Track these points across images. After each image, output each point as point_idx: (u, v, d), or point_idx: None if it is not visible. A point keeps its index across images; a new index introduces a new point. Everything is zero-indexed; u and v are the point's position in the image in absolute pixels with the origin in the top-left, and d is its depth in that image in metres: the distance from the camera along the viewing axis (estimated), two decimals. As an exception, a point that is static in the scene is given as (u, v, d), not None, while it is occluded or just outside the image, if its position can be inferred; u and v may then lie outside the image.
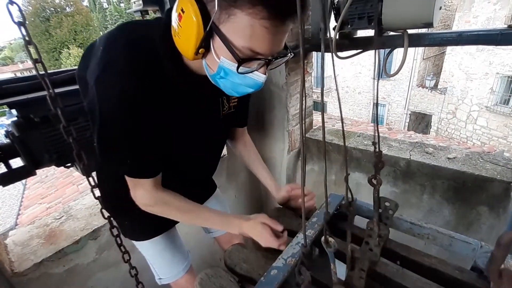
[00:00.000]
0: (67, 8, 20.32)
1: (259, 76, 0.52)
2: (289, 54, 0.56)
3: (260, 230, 0.71)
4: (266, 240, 0.71)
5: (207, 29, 0.47)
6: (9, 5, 0.30)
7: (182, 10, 0.48)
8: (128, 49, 0.53)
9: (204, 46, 0.49)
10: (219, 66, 0.51)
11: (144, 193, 0.66)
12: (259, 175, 0.97)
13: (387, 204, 0.76)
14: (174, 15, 0.50)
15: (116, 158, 0.62)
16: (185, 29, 0.48)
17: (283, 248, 0.70)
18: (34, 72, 0.36)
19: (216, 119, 0.75)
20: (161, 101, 0.59)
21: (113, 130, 0.56)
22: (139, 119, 0.56)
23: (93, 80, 0.52)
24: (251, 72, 0.51)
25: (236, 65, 0.48)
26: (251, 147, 0.98)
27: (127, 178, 0.65)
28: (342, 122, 0.50)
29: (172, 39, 0.53)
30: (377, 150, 0.60)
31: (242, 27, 0.45)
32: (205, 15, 0.46)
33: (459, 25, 8.07)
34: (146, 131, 0.59)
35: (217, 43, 0.49)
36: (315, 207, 0.86)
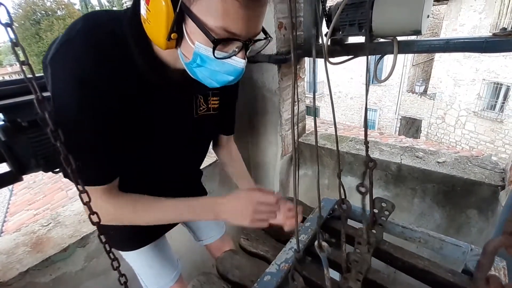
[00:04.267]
0: (58, 11, 20.10)
1: (238, 62, 0.48)
2: (269, 38, 0.53)
3: (243, 195, 0.60)
4: (254, 202, 0.59)
5: (177, 10, 0.43)
6: (-4, 7, 0.29)
7: None
8: (87, 30, 0.48)
9: (177, 31, 0.46)
10: (194, 52, 0.47)
11: (94, 202, 0.48)
12: (240, 183, 0.90)
13: (383, 204, 0.77)
14: (142, 0, 0.46)
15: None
16: (154, 13, 0.45)
17: (276, 210, 0.59)
18: (22, 75, 0.35)
19: (189, 119, 0.68)
20: (126, 92, 0.53)
21: (64, 119, 0.47)
22: (95, 108, 0.49)
23: (48, 59, 0.47)
24: (229, 57, 0.48)
25: (212, 48, 0.45)
26: (237, 158, 0.91)
27: None
28: (335, 123, 0.51)
29: (141, 26, 0.49)
30: (368, 151, 0.61)
31: (213, 5, 0.42)
32: None
33: (446, 33, 8.33)
34: (104, 125, 0.52)
35: (190, 27, 0.45)
36: (302, 220, 0.77)
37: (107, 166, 0.56)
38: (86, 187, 0.50)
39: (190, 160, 0.82)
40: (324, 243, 0.41)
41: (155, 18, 0.45)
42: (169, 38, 0.46)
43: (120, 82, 0.51)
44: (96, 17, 0.51)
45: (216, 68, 0.49)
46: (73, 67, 0.46)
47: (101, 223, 0.55)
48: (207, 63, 0.48)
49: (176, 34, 0.46)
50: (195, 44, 0.46)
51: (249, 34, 0.47)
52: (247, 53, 0.50)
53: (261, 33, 0.52)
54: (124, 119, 0.55)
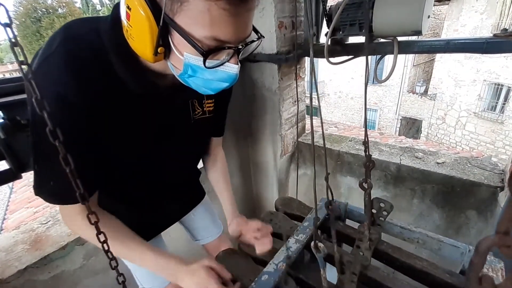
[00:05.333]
0: (59, 9, 20.08)
1: (231, 68, 0.46)
2: (261, 38, 0.50)
3: (203, 276, 0.59)
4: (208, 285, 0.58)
5: (161, 23, 0.41)
6: (-5, 6, 0.29)
7: (128, 7, 0.42)
8: (66, 45, 0.46)
9: (163, 44, 0.43)
10: (184, 64, 0.45)
11: (74, 216, 0.54)
12: (220, 197, 0.89)
13: (381, 205, 0.77)
14: (123, 14, 0.44)
15: (43, 174, 0.51)
16: (136, 29, 0.42)
17: None
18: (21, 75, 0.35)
19: (186, 125, 0.67)
20: (113, 106, 0.51)
21: (42, 140, 0.45)
22: (76, 128, 0.48)
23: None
24: (221, 64, 0.45)
25: (203, 60, 0.43)
26: (220, 164, 0.89)
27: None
28: (322, 125, 0.51)
29: (122, 34, 0.47)
30: (367, 151, 0.61)
31: (199, 14, 0.39)
32: (155, 7, 0.41)
33: (447, 33, 8.31)
34: (85, 144, 0.50)
35: (176, 39, 0.43)
36: (272, 248, 0.75)
37: (85, 184, 0.53)
38: (66, 206, 0.52)
39: (187, 161, 0.82)
40: (320, 244, 0.41)
41: (138, 34, 0.43)
42: (156, 53, 0.44)
43: (106, 98, 0.50)
44: (76, 30, 0.49)
45: (209, 76, 0.47)
46: (52, 88, 0.45)
47: (78, 235, 0.54)
48: (199, 72, 0.46)
49: (163, 47, 0.44)
50: (184, 55, 0.44)
51: (239, 38, 0.45)
52: (240, 57, 0.48)
53: (253, 32, 0.49)
54: (115, 131, 0.54)
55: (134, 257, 0.62)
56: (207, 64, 0.44)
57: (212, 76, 0.47)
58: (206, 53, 0.42)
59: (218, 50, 0.44)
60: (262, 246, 0.74)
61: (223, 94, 0.70)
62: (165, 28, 0.42)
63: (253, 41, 0.49)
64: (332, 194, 0.59)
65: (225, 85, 0.49)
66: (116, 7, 0.48)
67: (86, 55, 0.47)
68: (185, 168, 0.83)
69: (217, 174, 0.89)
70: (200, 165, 0.92)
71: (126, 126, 0.55)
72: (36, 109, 0.39)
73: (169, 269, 0.61)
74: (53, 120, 0.42)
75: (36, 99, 0.35)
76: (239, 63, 0.47)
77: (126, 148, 0.58)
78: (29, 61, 0.33)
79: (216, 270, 0.62)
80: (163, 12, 0.40)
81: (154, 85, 0.54)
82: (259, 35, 0.50)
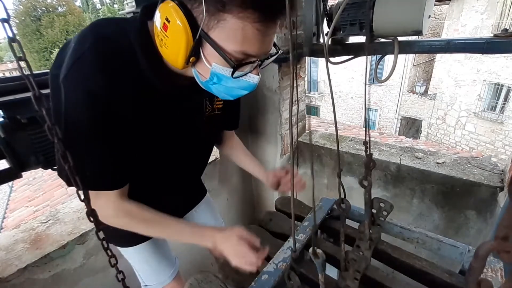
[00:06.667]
0: (59, 8, 20.05)
1: (253, 78, 0.52)
2: (279, 51, 0.56)
3: (235, 242, 0.64)
4: (241, 254, 0.63)
5: (197, 37, 0.45)
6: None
7: (166, 19, 0.46)
8: (97, 45, 0.50)
9: (194, 55, 0.48)
10: (211, 72, 0.50)
11: (106, 204, 0.59)
12: (248, 167, 0.95)
13: (381, 205, 0.77)
14: (158, 22, 0.48)
15: (77, 165, 0.55)
16: (172, 39, 0.47)
17: (258, 265, 0.63)
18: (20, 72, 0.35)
19: (199, 122, 0.72)
20: (136, 102, 0.56)
21: (76, 134, 0.51)
22: (107, 123, 0.52)
23: (61, 78, 0.49)
24: (245, 74, 0.51)
25: (230, 69, 0.48)
26: (238, 146, 0.96)
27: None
28: (336, 122, 0.51)
29: (150, 37, 0.52)
30: (369, 150, 0.61)
31: (233, 32, 0.45)
32: (192, 22, 0.45)
33: (448, 33, 8.30)
34: (115, 136, 0.55)
35: (207, 50, 0.48)
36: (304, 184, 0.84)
37: (119, 172, 0.59)
38: (100, 192, 0.57)
39: (196, 160, 0.84)
40: (318, 250, 0.41)
41: (174, 45, 0.47)
42: (187, 62, 0.48)
43: (131, 94, 0.54)
44: (104, 30, 0.53)
45: (232, 85, 0.51)
46: (85, 86, 0.49)
47: (109, 224, 0.60)
48: (224, 81, 0.51)
49: (194, 57, 0.48)
50: (212, 65, 0.48)
51: (264, 52, 0.50)
52: (260, 68, 0.53)
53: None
54: (137, 127, 0.58)
55: (172, 234, 0.68)
56: (234, 74, 0.49)
57: (235, 85, 0.52)
58: (237, 66, 0.47)
59: (246, 63, 0.49)
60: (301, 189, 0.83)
61: None
62: (199, 41, 0.47)
63: (271, 55, 0.54)
64: (344, 191, 0.59)
65: (245, 92, 0.54)
66: (144, 11, 0.53)
67: (116, 54, 0.51)
68: (193, 164, 0.86)
69: (239, 153, 0.96)
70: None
71: (146, 122, 0.59)
72: (68, 103, 0.47)
73: (206, 235, 0.67)
74: (85, 115, 0.50)
75: (34, 97, 0.34)
76: (259, 74, 0.52)
77: (143, 142, 0.61)
78: (30, 57, 0.33)
79: (247, 238, 0.66)
80: (200, 27, 0.45)
81: (174, 84, 0.59)
82: (277, 48, 0.56)
